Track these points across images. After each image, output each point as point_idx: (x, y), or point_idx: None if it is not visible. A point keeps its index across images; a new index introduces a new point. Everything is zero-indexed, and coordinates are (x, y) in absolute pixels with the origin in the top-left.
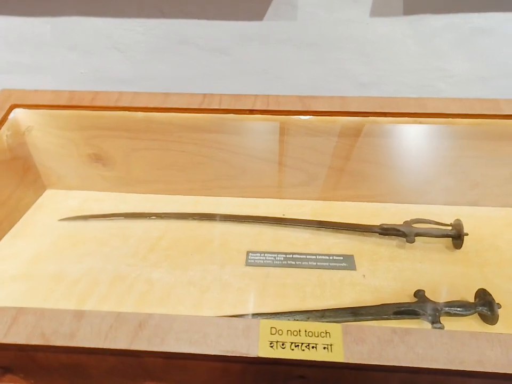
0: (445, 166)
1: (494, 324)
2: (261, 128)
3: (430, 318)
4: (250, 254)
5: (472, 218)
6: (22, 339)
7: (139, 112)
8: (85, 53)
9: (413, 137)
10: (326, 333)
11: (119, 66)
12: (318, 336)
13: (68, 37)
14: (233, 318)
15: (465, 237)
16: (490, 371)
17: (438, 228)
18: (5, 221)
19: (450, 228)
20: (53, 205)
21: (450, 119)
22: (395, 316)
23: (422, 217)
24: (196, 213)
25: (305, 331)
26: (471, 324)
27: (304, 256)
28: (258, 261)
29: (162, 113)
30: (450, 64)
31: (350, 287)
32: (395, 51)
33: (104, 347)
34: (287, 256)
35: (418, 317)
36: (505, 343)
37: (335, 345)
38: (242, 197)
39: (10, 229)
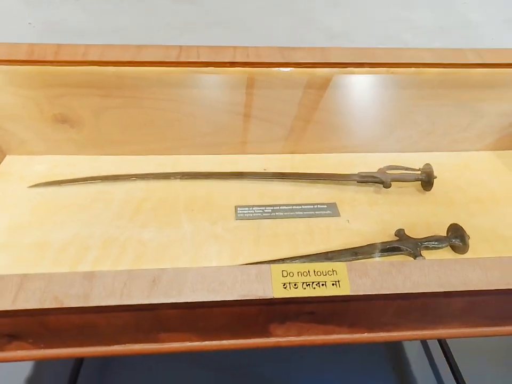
0: (414, 115)
1: (465, 253)
2: (239, 82)
3: (412, 253)
4: (238, 208)
5: (436, 164)
6: (34, 304)
7: (109, 66)
8: (34, 0)
9: (385, 88)
10: (333, 271)
11: (75, 17)
12: (326, 274)
13: None
14: (245, 265)
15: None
16: (473, 289)
17: (410, 173)
18: None
19: (419, 172)
20: (18, 172)
21: (421, 69)
22: (382, 254)
23: (394, 164)
24: (177, 172)
25: (314, 271)
26: (444, 255)
27: (291, 207)
28: (247, 215)
29: (135, 67)
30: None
31: (337, 232)
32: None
33: (121, 303)
34: (274, 208)
35: (402, 252)
36: (484, 265)
37: (342, 281)
38: (222, 153)
39: None
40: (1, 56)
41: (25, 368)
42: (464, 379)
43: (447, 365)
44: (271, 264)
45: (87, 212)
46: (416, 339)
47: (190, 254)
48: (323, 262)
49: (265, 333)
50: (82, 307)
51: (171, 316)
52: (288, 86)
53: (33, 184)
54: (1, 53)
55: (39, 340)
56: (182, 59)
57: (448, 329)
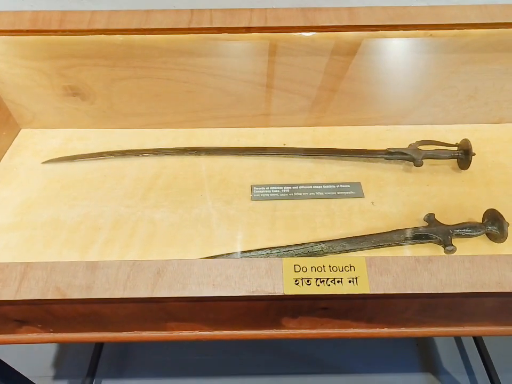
0: (452, 82)
1: (502, 242)
2: (257, 49)
3: (442, 241)
4: (254, 188)
5: (475, 138)
6: (36, 294)
7: (117, 35)
8: None
9: (421, 53)
10: (351, 266)
11: None
12: (342, 270)
13: None
14: (255, 258)
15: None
16: (509, 291)
17: (445, 149)
18: None
19: (456, 148)
20: (32, 146)
21: (465, 30)
22: (407, 242)
23: (427, 139)
24: (191, 147)
25: (330, 266)
26: (479, 243)
27: (311, 187)
28: (264, 195)
29: (144, 35)
30: None
31: (359, 215)
32: None
33: (124, 296)
34: (293, 187)
35: (431, 241)
36: None
37: (360, 278)
38: (239, 127)
39: None
40: (4, 25)
41: (49, 351)
42: (492, 359)
43: (473, 343)
44: (283, 258)
45: (98, 188)
46: (440, 336)
47: (202, 236)
48: (341, 248)
49: (277, 325)
50: (86, 299)
51: (178, 308)
52: (311, 52)
53: (47, 160)
54: (4, 22)
55: (47, 325)
56: (194, 25)
57: (477, 327)
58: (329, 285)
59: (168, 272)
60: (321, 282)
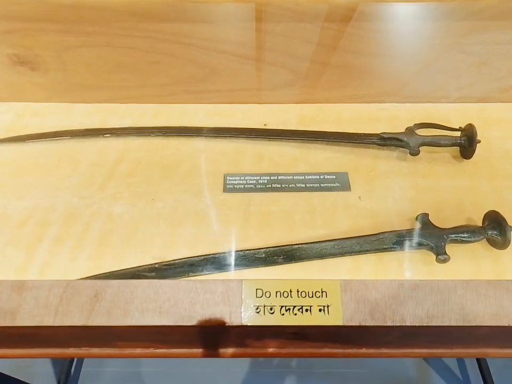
0: (458, 54)
1: (504, 249)
2: (233, 13)
3: (434, 248)
4: (228, 177)
5: (482, 119)
6: None
7: None
8: None
9: (426, 20)
10: (322, 292)
11: None
12: (312, 296)
13: None
14: (211, 280)
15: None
16: (507, 325)
17: (446, 136)
18: None
19: (459, 134)
20: None
21: None
22: (395, 247)
23: (427, 121)
24: (159, 127)
25: (298, 291)
26: (477, 248)
27: (291, 177)
28: (238, 186)
29: None
30: None
31: (344, 212)
32: None
33: (55, 325)
34: (271, 178)
35: (421, 247)
36: None
37: (333, 306)
38: (214, 103)
39: None
40: None
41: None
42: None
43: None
44: (243, 280)
45: (50, 175)
46: (425, 357)
47: (164, 235)
48: (316, 253)
49: (241, 345)
50: (10, 327)
51: (125, 330)
52: (296, 18)
53: None
54: None
55: None
56: None
57: (467, 349)
58: (295, 314)
59: (108, 296)
60: (286, 310)
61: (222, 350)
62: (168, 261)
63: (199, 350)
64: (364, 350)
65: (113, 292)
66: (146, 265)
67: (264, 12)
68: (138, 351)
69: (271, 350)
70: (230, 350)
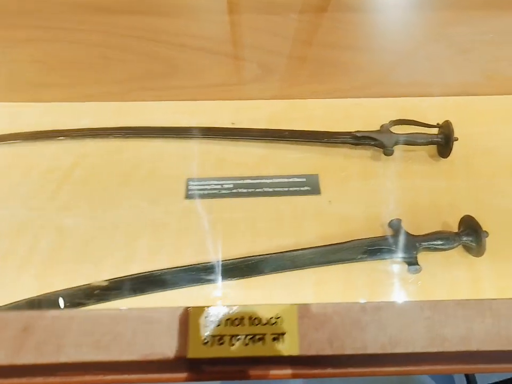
0: (440, 46)
1: (480, 256)
2: (195, 4)
3: (406, 257)
4: (190, 182)
5: (462, 114)
6: None
7: None
8: None
9: (399, 10)
10: (277, 318)
11: None
12: (266, 323)
13: None
14: (153, 309)
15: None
16: (476, 350)
17: (423, 133)
18: None
19: (437, 131)
20: None
21: None
22: (365, 257)
23: (403, 117)
24: (117, 128)
25: (250, 318)
26: (452, 256)
27: (258, 181)
28: (201, 191)
29: None
30: None
31: (313, 218)
32: None
33: None
34: (237, 182)
35: (392, 256)
36: (497, 311)
37: (289, 334)
38: (176, 100)
39: None
40: None
41: None
42: None
43: None
44: (190, 308)
45: None
46: (393, 375)
47: (121, 247)
48: (279, 265)
49: (196, 371)
50: None
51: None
52: (264, 9)
53: None
54: None
55: None
56: None
57: (438, 366)
58: (247, 344)
59: (39, 329)
60: (237, 340)
61: (176, 375)
62: (115, 279)
63: (155, 376)
64: (329, 370)
65: (45, 325)
66: (94, 283)
67: (232, 3)
68: (88, 378)
69: (229, 374)
70: (184, 375)
